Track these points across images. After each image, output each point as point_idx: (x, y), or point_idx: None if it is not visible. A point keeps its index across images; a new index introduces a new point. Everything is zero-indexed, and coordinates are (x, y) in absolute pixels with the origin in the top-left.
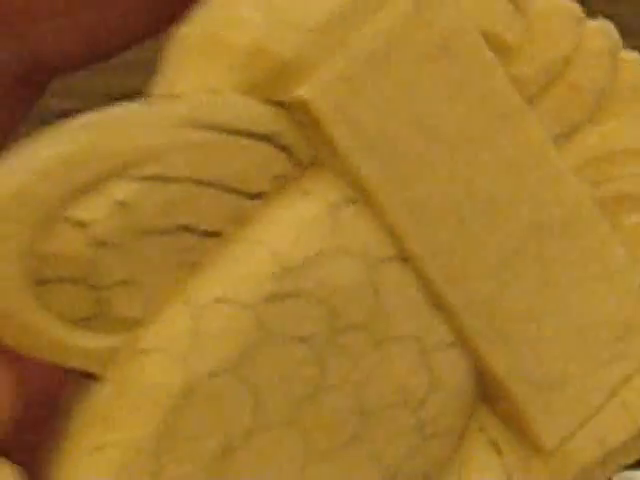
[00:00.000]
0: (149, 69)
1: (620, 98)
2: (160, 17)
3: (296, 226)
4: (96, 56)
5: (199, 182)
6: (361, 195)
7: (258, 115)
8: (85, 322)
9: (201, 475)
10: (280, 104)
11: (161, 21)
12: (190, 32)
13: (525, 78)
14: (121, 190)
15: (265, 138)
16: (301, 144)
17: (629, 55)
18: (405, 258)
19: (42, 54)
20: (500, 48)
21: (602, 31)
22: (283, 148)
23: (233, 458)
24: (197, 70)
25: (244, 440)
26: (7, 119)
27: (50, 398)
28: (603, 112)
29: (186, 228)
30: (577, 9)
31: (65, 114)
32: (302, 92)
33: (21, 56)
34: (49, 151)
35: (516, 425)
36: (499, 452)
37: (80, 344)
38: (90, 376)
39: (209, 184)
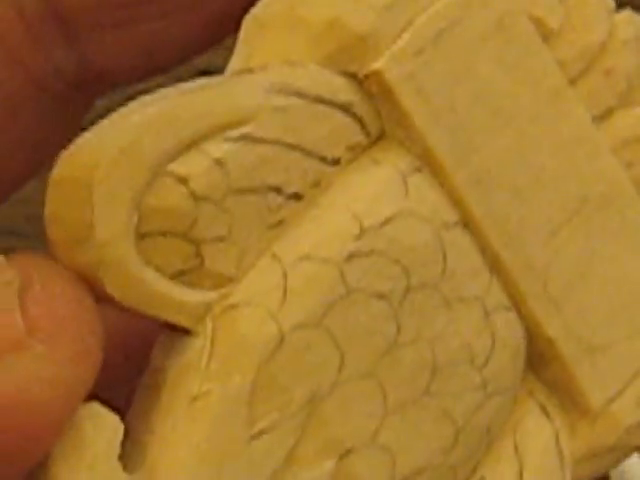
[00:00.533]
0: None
1: None
2: (217, 31)
3: (372, 190)
4: (151, 69)
5: (285, 144)
6: (426, 163)
7: (336, 85)
8: (181, 276)
9: (289, 424)
10: (352, 76)
11: (217, 35)
12: (265, 11)
13: (565, 62)
14: (218, 149)
15: (342, 108)
16: (371, 116)
17: None
18: (466, 223)
19: (97, 62)
20: (544, 32)
21: (629, 20)
22: (357, 119)
23: (318, 408)
24: (274, 45)
25: (329, 391)
26: (54, 123)
27: (138, 351)
28: (633, 96)
29: (274, 189)
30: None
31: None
32: (379, 64)
33: (76, 61)
34: (154, 108)
35: (563, 389)
36: (548, 415)
37: (177, 298)
38: (183, 330)
39: (294, 147)
